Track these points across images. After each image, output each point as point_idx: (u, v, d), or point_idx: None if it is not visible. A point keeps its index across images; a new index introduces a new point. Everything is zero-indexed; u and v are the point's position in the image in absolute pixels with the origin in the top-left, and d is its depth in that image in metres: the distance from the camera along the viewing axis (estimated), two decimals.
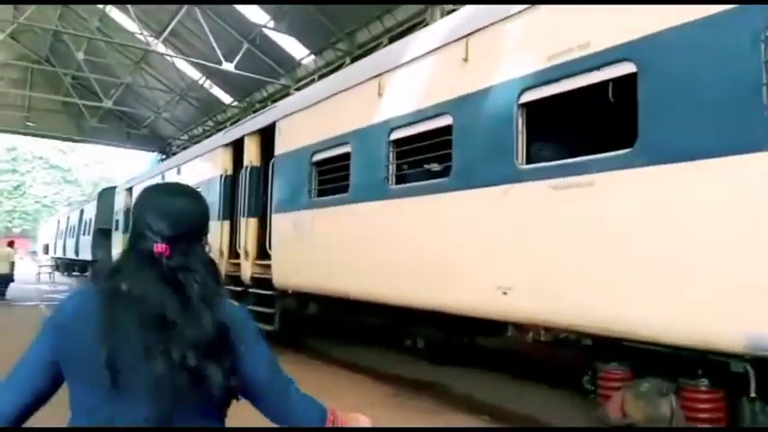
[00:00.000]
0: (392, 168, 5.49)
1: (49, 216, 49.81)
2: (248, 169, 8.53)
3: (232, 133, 9.52)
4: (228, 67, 19.06)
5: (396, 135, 5.44)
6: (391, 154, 5.49)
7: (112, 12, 22.37)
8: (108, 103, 24.84)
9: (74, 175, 62.26)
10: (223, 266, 9.27)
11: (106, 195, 20.70)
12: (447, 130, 4.82)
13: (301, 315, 7.78)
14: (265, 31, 18.78)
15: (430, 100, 5.04)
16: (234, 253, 9.06)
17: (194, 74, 23.97)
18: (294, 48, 19.05)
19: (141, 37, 20.76)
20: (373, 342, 8.18)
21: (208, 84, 24.33)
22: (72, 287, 23.01)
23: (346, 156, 6.14)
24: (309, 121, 7.03)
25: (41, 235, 48.50)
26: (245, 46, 19.44)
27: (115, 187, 19.95)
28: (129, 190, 16.25)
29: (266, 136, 8.28)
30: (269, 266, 7.75)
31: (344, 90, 6.26)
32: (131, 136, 31.82)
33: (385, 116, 5.54)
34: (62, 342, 1.31)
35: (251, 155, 8.59)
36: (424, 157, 5.17)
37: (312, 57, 18.88)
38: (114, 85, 25.64)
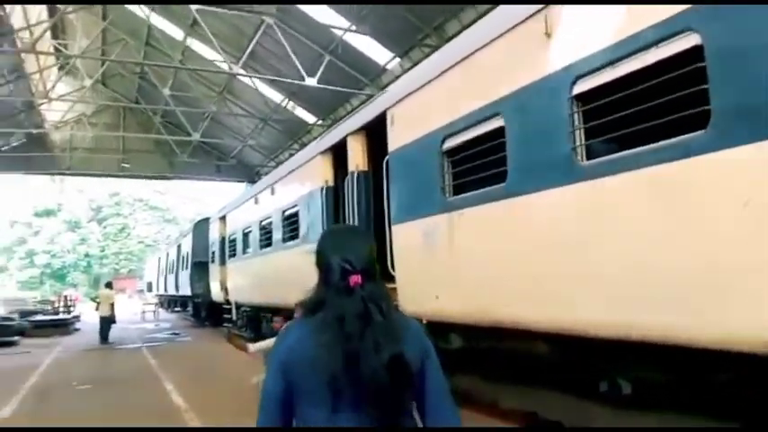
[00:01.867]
0: (580, 136, 3.78)
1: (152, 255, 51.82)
2: (355, 175, 7.08)
3: (331, 136, 8.15)
4: (311, 81, 18.05)
5: (582, 86, 3.72)
6: (576, 115, 3.78)
7: (193, 44, 22.24)
8: (196, 137, 24.70)
9: (172, 214, 64.86)
10: None
11: (201, 227, 20.26)
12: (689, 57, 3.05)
13: (444, 351, 6.13)
14: (347, 39, 17.68)
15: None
16: None
17: (276, 96, 23.36)
18: (378, 53, 17.78)
19: (224, 65, 20.36)
20: (535, 382, 6.36)
21: (290, 105, 23.67)
22: (174, 323, 22.84)
23: (498, 132, 4.48)
24: (434, 100, 5.46)
25: (146, 273, 50.50)
26: (327, 58, 18.42)
27: (209, 218, 19.43)
28: (223, 218, 15.46)
29: (375, 132, 6.80)
30: (392, 290, 6.21)
31: (489, 43, 4.62)
32: (221, 168, 31.94)
33: (563, 62, 3.84)
34: (288, 374, 1.58)
35: (356, 157, 7.15)
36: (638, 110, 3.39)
37: (398, 60, 17.54)
38: (200, 118, 25.56)
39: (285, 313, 9.79)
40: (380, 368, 1.48)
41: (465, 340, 5.87)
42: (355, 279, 1.60)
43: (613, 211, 3.51)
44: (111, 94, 29.25)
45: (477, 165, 4.78)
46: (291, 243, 9.44)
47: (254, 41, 19.02)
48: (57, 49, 22.43)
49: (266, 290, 10.90)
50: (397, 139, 6.10)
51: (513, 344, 5.02)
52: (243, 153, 30.78)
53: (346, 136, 7.35)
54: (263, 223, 11.12)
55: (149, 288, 39.01)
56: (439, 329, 5.80)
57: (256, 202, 11.69)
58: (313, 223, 8.51)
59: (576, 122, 3.77)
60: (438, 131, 5.28)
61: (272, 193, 10.55)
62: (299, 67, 17.48)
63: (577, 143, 3.77)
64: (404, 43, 16.51)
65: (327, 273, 1.68)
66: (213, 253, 17.18)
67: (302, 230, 8.92)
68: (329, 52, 18.42)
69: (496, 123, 4.49)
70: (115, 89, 29.49)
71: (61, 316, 23.98)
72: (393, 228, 6.14)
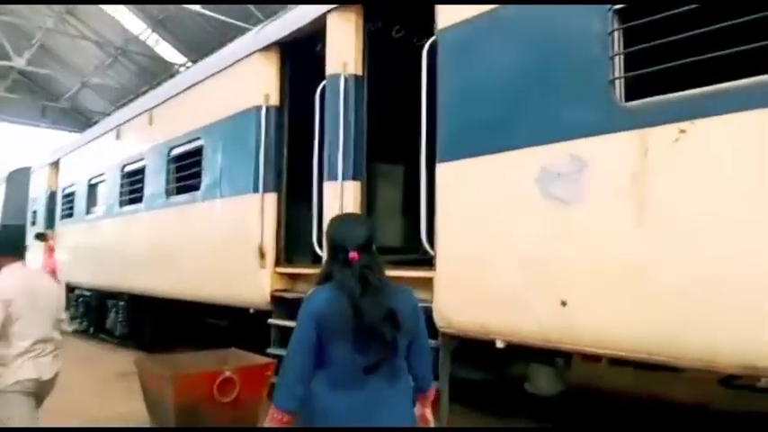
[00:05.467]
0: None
1: None
2: (343, 80, 4.11)
3: (285, 21, 5.02)
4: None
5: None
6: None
7: None
8: (19, 63, 19.09)
9: None
10: (260, 279, 4.86)
11: (17, 179, 15.29)
12: None
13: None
14: None
15: None
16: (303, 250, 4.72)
17: (137, 25, 18.68)
18: None
19: None
20: None
21: (153, 38, 19.09)
22: None
23: None
24: None
25: None
26: None
27: (29, 168, 14.56)
28: (56, 164, 11.15)
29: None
30: (425, 282, 3.43)
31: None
32: (47, 112, 25.67)
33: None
34: (319, 323, 2.03)
35: (344, 51, 4.18)
36: None
37: None
38: (27, 41, 19.83)
39: None
40: (379, 319, 1.99)
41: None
42: (353, 255, 2.09)
43: None
44: None
45: None
46: (184, 198, 6.10)
47: None
48: None
49: (126, 268, 7.33)
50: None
51: None
52: (80, 95, 24.82)
53: (326, 14, 4.31)
54: (130, 168, 7.48)
55: None
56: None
57: (118, 136, 7.95)
58: (231, 167, 5.33)
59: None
60: None
61: (150, 121, 6.98)
62: None
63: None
64: None
65: (335, 251, 2.17)
66: (35, 213, 12.68)
67: (207, 178, 5.66)
68: None
69: None
70: None
71: None
72: (441, 168, 3.32)
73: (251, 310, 5.30)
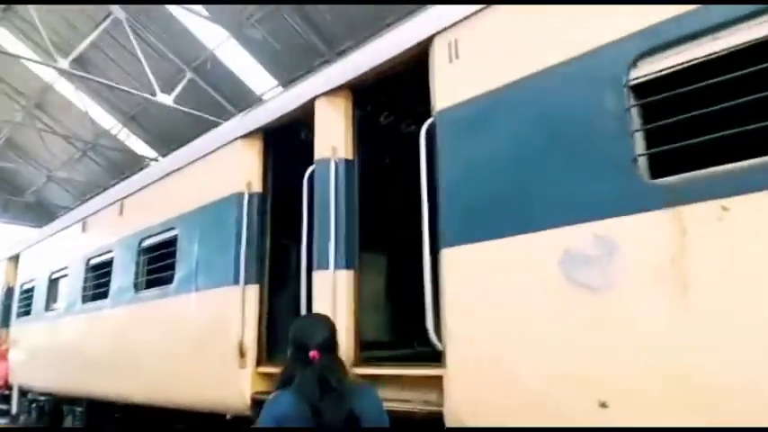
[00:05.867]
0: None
1: None
2: (334, 164, 3.93)
3: (271, 107, 4.88)
4: (165, 99, 14.23)
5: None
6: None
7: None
8: None
9: None
10: (240, 381, 4.41)
11: None
12: None
13: None
14: (219, 53, 14.37)
15: None
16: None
17: (107, 120, 18.66)
18: (256, 77, 14.65)
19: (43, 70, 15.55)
20: None
21: (124, 133, 19.04)
22: None
23: None
24: None
25: None
26: (188, 75, 14.85)
27: None
28: (15, 259, 10.54)
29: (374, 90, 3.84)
30: (435, 380, 3.08)
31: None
32: (10, 205, 24.97)
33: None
34: (281, 427, 2.05)
35: (335, 134, 4.02)
36: None
37: (280, 90, 14.61)
38: None
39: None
40: (338, 422, 2.01)
41: None
42: (313, 354, 2.14)
43: None
44: None
45: None
46: (154, 293, 5.66)
47: (90, 38, 14.47)
48: None
49: (87, 369, 6.69)
50: (460, 80, 3.16)
51: None
52: (45, 189, 24.35)
53: (314, 99, 4.19)
54: (96, 261, 7.03)
55: None
56: None
57: (84, 228, 7.54)
58: (209, 257, 4.99)
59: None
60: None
61: (121, 211, 6.64)
62: (152, 78, 13.65)
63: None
64: (293, 68, 13.65)
65: (297, 351, 2.22)
66: None
67: (182, 270, 5.28)
68: (193, 69, 14.90)
69: None
70: None
71: None
72: (447, 254, 3.06)
73: (227, 416, 4.76)
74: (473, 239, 2.90)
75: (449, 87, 3.22)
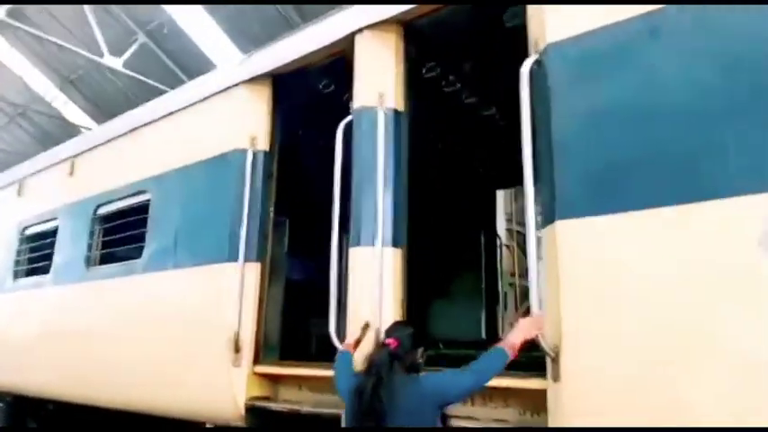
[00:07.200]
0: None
1: None
2: (382, 116, 3.12)
3: (279, 48, 4.01)
4: (114, 62, 12.86)
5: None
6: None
7: None
8: None
9: None
10: (232, 382, 3.52)
11: None
12: None
13: None
14: (178, 18, 13.10)
15: None
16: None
17: (42, 83, 16.82)
18: (222, 46, 13.44)
19: None
20: None
21: (62, 100, 17.23)
22: None
23: None
24: None
25: None
26: (140, 40, 13.51)
27: None
28: None
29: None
30: (537, 395, 2.33)
31: None
32: None
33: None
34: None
35: (379, 81, 3.22)
36: None
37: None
38: None
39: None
40: (365, 410, 2.23)
41: None
42: (389, 341, 2.41)
43: None
44: None
45: None
46: (116, 269, 4.63)
47: None
48: None
49: (14, 359, 5.52)
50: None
51: None
52: None
53: (353, 35, 3.36)
54: (34, 230, 5.85)
55: None
56: None
57: (21, 191, 6.31)
58: (195, 228, 4.04)
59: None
60: None
61: (71, 171, 5.51)
62: (100, 38, 12.30)
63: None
64: (263, 39, 12.54)
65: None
66: None
67: (155, 242, 4.29)
68: (146, 32, 13.55)
69: None
70: None
71: None
72: (564, 226, 2.32)
73: (207, 425, 3.85)
74: (614, 209, 2.17)
75: (569, 14, 2.48)
